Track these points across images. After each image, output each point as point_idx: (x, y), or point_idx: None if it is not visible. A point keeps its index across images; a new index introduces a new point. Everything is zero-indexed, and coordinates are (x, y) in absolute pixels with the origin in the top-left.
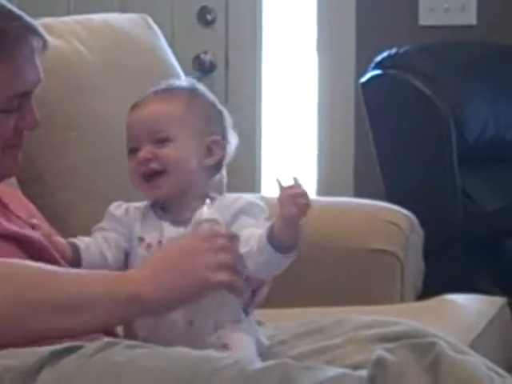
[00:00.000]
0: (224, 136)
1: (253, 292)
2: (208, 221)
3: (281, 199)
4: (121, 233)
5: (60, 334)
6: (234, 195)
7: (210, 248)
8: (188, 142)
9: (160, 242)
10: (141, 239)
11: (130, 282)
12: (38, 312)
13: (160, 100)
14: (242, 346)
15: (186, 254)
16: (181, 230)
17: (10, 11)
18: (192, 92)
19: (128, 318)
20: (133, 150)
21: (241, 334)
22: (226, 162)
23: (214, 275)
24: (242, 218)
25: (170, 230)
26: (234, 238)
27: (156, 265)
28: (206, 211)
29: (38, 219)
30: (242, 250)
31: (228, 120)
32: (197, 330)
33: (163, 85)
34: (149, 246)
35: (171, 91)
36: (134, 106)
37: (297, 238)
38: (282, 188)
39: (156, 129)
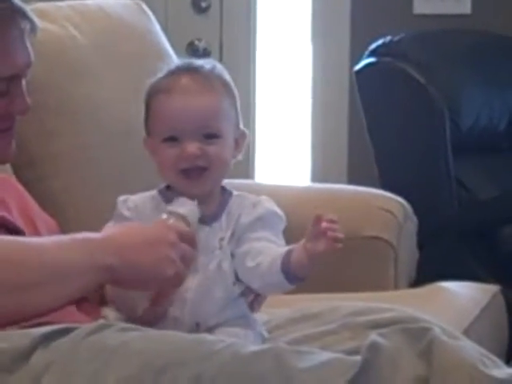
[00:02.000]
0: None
1: (254, 297)
2: (180, 216)
3: (312, 232)
4: None
5: (20, 312)
6: (254, 196)
7: (181, 253)
8: (230, 138)
9: None
10: None
11: (104, 252)
12: (6, 289)
13: (202, 89)
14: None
15: (158, 243)
16: (205, 229)
17: None
18: (223, 79)
19: (96, 285)
20: (171, 139)
21: (241, 330)
22: None
23: (169, 280)
24: (259, 230)
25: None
26: (194, 244)
27: (129, 240)
28: (184, 206)
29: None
30: (249, 264)
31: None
32: (202, 331)
33: (186, 65)
34: None
35: (206, 77)
36: (168, 90)
37: (310, 272)
38: (317, 221)
39: (206, 124)
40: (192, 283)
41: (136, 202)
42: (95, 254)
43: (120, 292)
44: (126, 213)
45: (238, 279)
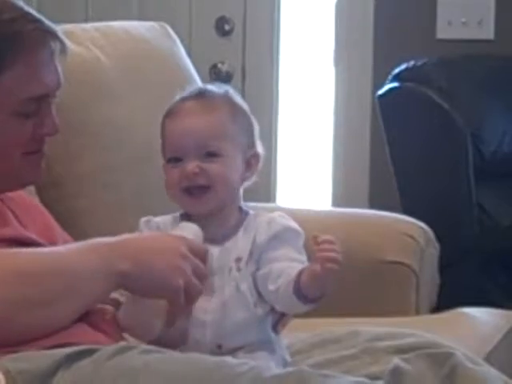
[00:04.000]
0: (256, 147)
1: (278, 318)
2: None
3: (315, 256)
4: None
5: (46, 327)
6: (268, 214)
7: (193, 266)
8: (234, 157)
9: None
10: None
11: (118, 257)
12: (23, 307)
13: (204, 111)
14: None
15: (171, 254)
16: (216, 250)
17: (29, 13)
18: (232, 102)
19: (111, 291)
20: (174, 160)
21: (265, 354)
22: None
23: (181, 291)
24: (277, 248)
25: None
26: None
27: (143, 247)
28: (187, 230)
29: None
30: (271, 287)
31: (256, 129)
32: (224, 353)
33: (196, 90)
34: None
35: (211, 100)
36: (173, 114)
37: (321, 293)
38: (314, 244)
39: (205, 143)
40: (210, 305)
41: (158, 224)
42: (111, 260)
43: (134, 315)
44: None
45: (261, 300)
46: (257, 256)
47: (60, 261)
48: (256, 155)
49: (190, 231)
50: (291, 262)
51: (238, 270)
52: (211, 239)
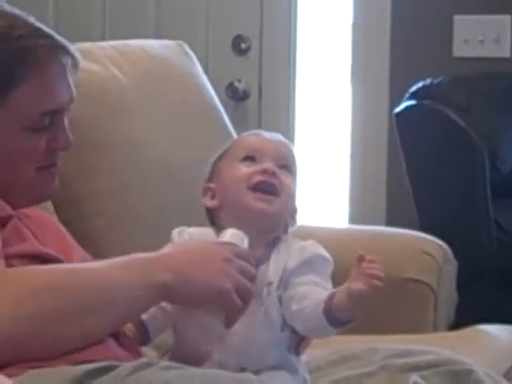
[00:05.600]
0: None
1: (299, 341)
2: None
3: (355, 273)
4: None
5: (78, 341)
6: (301, 241)
7: (239, 267)
8: (294, 190)
9: None
10: None
11: (158, 269)
12: (55, 322)
13: (285, 143)
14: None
15: (214, 259)
16: None
17: (40, 29)
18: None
19: (152, 304)
20: (248, 158)
21: (286, 373)
22: None
23: (231, 293)
24: (305, 274)
25: None
26: (253, 264)
27: (184, 257)
28: (232, 236)
29: (69, 246)
30: (294, 307)
31: None
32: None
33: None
34: None
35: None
36: (257, 134)
37: (353, 315)
38: (359, 261)
39: (284, 155)
40: (239, 328)
41: (192, 234)
42: (148, 272)
43: (192, 325)
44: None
45: (285, 323)
46: (286, 281)
47: (94, 275)
48: (295, 211)
49: (236, 238)
50: (316, 286)
51: (269, 294)
52: None
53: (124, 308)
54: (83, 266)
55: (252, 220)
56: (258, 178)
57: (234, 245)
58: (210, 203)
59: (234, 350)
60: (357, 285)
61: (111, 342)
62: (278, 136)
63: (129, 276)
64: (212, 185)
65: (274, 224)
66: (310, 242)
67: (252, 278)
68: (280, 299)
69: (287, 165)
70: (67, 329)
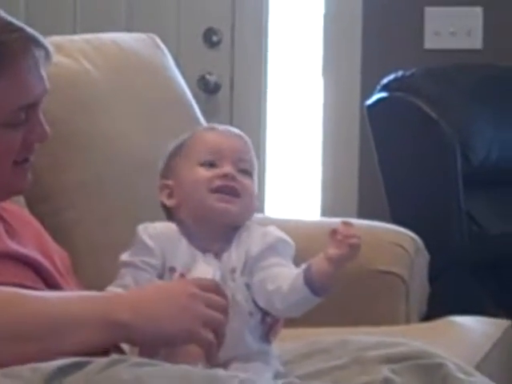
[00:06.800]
0: None
1: (270, 326)
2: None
3: (332, 241)
4: (153, 267)
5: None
6: (262, 227)
7: (206, 301)
8: (253, 190)
9: (190, 271)
10: (172, 269)
11: (116, 307)
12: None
13: (240, 135)
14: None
15: (177, 296)
16: (213, 262)
17: (11, 23)
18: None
19: (109, 343)
20: (208, 164)
21: (260, 364)
22: None
23: (200, 330)
24: (270, 257)
25: (202, 261)
26: (220, 292)
27: (145, 296)
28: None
29: (44, 239)
30: (270, 287)
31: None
32: (220, 365)
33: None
34: (181, 275)
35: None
36: (208, 128)
37: (333, 281)
38: (334, 229)
39: (244, 158)
40: None
41: (157, 230)
42: (107, 310)
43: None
44: (149, 241)
45: (256, 309)
46: (250, 267)
47: (47, 304)
48: (255, 209)
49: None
50: (283, 267)
51: (233, 280)
52: (209, 252)
53: (71, 342)
54: (40, 294)
55: (215, 219)
56: (218, 182)
57: (199, 278)
58: (168, 202)
59: None
60: (334, 250)
61: None
62: (235, 131)
63: (83, 311)
64: (169, 182)
65: (237, 222)
66: (270, 228)
67: (223, 308)
68: (247, 286)
69: (246, 168)
70: (8, 348)
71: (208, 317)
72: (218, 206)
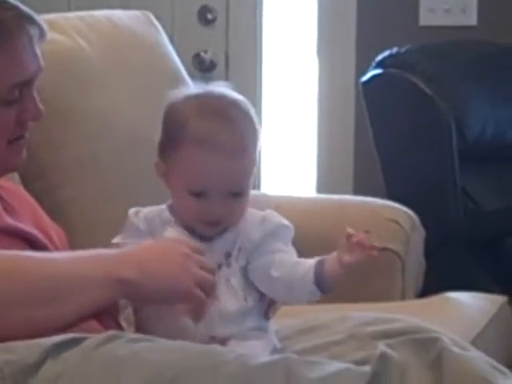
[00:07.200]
0: None
1: (269, 304)
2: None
3: (347, 245)
4: None
5: (32, 328)
6: (258, 213)
7: (198, 262)
8: (251, 184)
9: None
10: None
11: (121, 264)
12: (8, 305)
13: (236, 150)
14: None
15: (174, 255)
16: (207, 247)
17: (5, 1)
18: (253, 122)
19: (113, 300)
20: (197, 194)
21: (256, 342)
22: None
23: (194, 288)
24: (272, 242)
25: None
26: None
27: (145, 254)
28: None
29: (39, 215)
30: (274, 273)
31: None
32: (217, 343)
33: (216, 104)
34: None
35: (239, 127)
36: (200, 143)
37: (341, 279)
38: (351, 234)
39: (236, 185)
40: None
41: (147, 215)
42: (111, 268)
43: (167, 325)
44: (140, 224)
45: (252, 293)
46: (247, 252)
47: (54, 265)
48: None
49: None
50: (284, 253)
51: (228, 265)
52: (200, 236)
53: (81, 300)
54: (44, 255)
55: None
56: (207, 218)
57: (186, 240)
58: (164, 181)
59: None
60: (350, 257)
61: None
62: (232, 125)
63: (88, 270)
64: (163, 167)
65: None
66: (269, 213)
67: (212, 271)
68: (244, 270)
69: (239, 192)
70: (19, 313)
71: (200, 277)
72: (206, 231)
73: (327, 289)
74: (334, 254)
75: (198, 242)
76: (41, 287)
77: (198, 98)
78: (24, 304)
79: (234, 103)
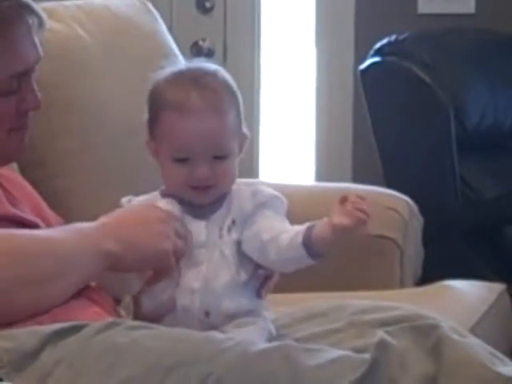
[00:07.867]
0: (243, 127)
1: (264, 280)
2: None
3: (339, 209)
4: None
5: (37, 306)
6: (249, 187)
7: (174, 229)
8: (235, 150)
9: None
10: None
11: (102, 237)
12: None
13: (212, 111)
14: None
15: (152, 221)
16: (202, 224)
17: None
18: (229, 88)
19: (100, 272)
20: (182, 160)
21: (252, 328)
22: None
23: (170, 255)
24: (264, 211)
25: (192, 224)
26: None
27: (123, 222)
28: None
29: (39, 203)
30: (265, 237)
31: (242, 107)
32: (212, 322)
33: (191, 75)
34: None
35: (214, 92)
36: (178, 110)
37: (331, 248)
38: (345, 196)
39: (216, 147)
40: (198, 274)
41: (140, 203)
42: (94, 241)
43: (114, 277)
44: None
45: (245, 266)
46: (241, 224)
47: (50, 242)
48: (244, 136)
49: (168, 206)
50: (276, 221)
51: (221, 237)
52: (198, 214)
53: (76, 273)
54: (39, 233)
55: (195, 203)
56: (193, 183)
57: (161, 207)
58: (154, 157)
59: (196, 293)
60: (340, 219)
61: (87, 303)
62: (207, 93)
63: (78, 243)
64: (152, 143)
65: (221, 196)
66: (260, 186)
67: (185, 238)
68: (237, 244)
69: (221, 154)
70: (26, 293)
71: (176, 243)
72: (197, 198)
73: (316, 253)
74: (325, 218)
75: (193, 219)
76: (41, 267)
77: (174, 71)
78: (29, 284)
79: (209, 72)
